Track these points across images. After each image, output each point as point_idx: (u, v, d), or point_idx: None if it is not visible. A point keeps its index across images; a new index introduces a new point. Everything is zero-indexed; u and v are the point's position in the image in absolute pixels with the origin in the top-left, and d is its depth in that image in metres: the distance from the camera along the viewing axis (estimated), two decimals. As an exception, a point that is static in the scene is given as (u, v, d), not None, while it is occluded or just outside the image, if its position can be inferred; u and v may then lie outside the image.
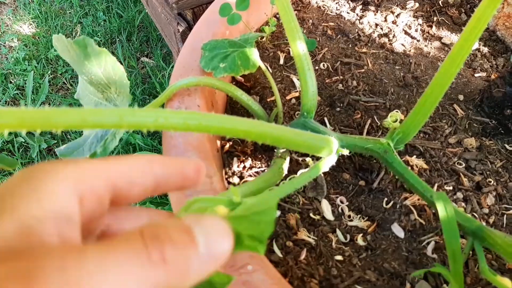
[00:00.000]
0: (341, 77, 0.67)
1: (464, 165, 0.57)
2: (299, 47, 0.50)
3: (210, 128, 0.34)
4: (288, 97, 0.66)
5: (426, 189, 0.45)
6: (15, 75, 1.55)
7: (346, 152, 0.48)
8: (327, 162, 0.46)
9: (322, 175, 0.54)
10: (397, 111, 0.52)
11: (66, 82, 1.53)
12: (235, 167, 0.60)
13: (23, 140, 1.27)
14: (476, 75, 0.68)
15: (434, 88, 0.43)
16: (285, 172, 0.53)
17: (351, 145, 0.50)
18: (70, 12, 1.82)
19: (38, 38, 1.71)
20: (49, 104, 1.44)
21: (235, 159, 0.62)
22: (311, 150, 0.45)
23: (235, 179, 0.59)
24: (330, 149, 0.46)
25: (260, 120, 0.58)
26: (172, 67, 1.44)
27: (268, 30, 0.69)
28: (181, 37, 0.99)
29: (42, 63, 1.58)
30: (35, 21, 1.79)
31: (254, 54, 0.55)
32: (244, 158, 0.62)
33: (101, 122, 0.27)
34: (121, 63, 1.55)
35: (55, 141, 1.30)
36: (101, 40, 1.64)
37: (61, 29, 1.73)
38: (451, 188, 0.55)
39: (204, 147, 0.50)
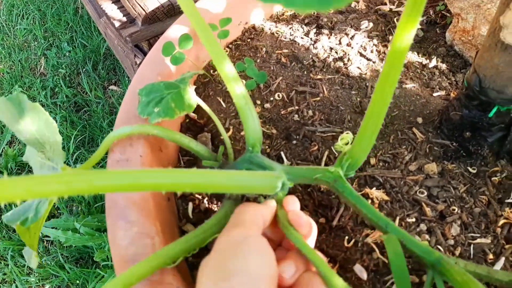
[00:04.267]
0: (296, 107, 0.64)
1: (426, 193, 0.54)
2: (234, 87, 0.47)
3: (127, 187, 0.33)
4: (242, 133, 0.63)
5: (380, 219, 0.43)
6: (-22, 115, 1.49)
7: (291, 185, 0.45)
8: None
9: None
10: (347, 133, 0.49)
11: (31, 118, 1.48)
12: (190, 211, 0.57)
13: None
14: (434, 94, 0.66)
15: (374, 108, 0.41)
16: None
17: (299, 177, 0.47)
18: (34, 45, 1.78)
19: (2, 74, 1.67)
20: (14, 143, 1.39)
21: (190, 203, 0.58)
22: (252, 190, 0.42)
23: (189, 227, 0.56)
24: (274, 186, 0.43)
25: (208, 161, 0.55)
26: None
27: (218, 63, 0.67)
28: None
29: (6, 100, 1.54)
30: (-2, 56, 1.74)
31: (189, 93, 0.52)
32: (199, 202, 0.59)
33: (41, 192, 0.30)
34: (88, 94, 1.52)
35: None
36: (66, 72, 1.60)
37: (26, 63, 1.68)
38: (413, 220, 0.52)
39: (146, 203, 0.46)
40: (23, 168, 1.30)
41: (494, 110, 0.50)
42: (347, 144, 0.48)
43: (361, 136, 0.43)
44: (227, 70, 0.45)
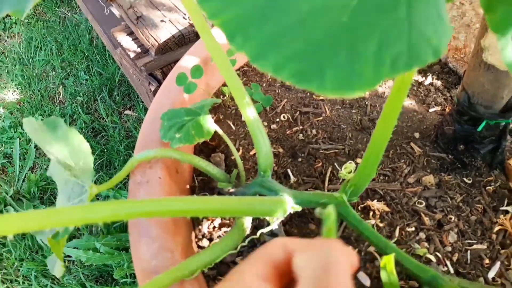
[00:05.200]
0: (301, 127, 0.69)
1: (424, 204, 0.58)
2: (248, 113, 0.52)
3: (150, 213, 0.37)
4: (251, 153, 0.68)
5: (379, 240, 0.47)
6: (2, 143, 1.58)
7: (299, 208, 0.50)
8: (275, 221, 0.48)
9: (284, 233, 0.55)
10: (350, 162, 0.54)
11: (52, 144, 1.56)
12: (204, 229, 0.62)
13: None
14: (430, 110, 0.70)
15: (375, 144, 0.45)
16: (248, 231, 0.54)
17: (307, 201, 0.51)
18: (52, 75, 1.88)
19: (23, 104, 1.76)
20: (36, 169, 1.47)
21: (204, 220, 0.63)
22: (264, 215, 0.47)
23: (205, 242, 0.60)
24: (284, 210, 0.47)
25: (223, 183, 0.59)
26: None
27: (227, 90, 0.72)
28: (153, 95, 1.03)
29: (27, 128, 1.62)
30: (18, 87, 1.84)
31: (208, 121, 0.57)
32: (213, 218, 0.63)
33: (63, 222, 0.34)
34: (105, 119, 1.59)
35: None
36: (83, 99, 1.69)
37: (45, 92, 1.78)
38: (413, 229, 0.56)
39: (166, 221, 0.51)
40: (45, 193, 1.37)
41: (483, 124, 0.54)
42: (350, 172, 0.52)
43: (363, 166, 0.47)
44: (243, 99, 0.51)
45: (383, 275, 0.40)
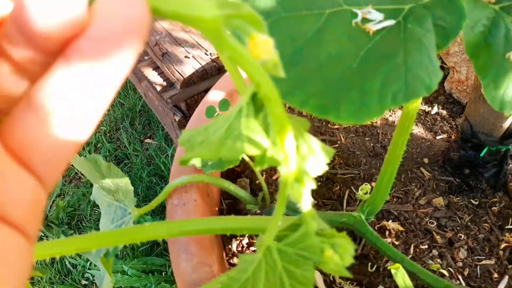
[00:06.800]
0: (319, 153, 0.76)
1: (435, 223, 0.63)
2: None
3: (191, 232, 0.44)
4: (274, 177, 0.74)
5: (396, 254, 0.52)
6: (30, 171, 1.67)
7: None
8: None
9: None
10: (366, 184, 0.60)
11: (77, 172, 1.64)
12: (234, 248, 0.68)
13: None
14: (438, 137, 0.77)
15: (387, 169, 0.51)
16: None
17: (328, 220, 0.57)
18: (77, 106, 1.99)
19: (49, 133, 1.86)
20: (64, 195, 1.54)
21: (233, 240, 0.69)
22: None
23: (235, 260, 0.66)
24: (309, 229, 0.53)
25: (250, 205, 0.66)
26: (173, 148, 1.55)
27: (251, 120, 0.80)
28: (178, 125, 1.11)
29: (54, 157, 1.71)
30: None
31: (237, 150, 0.64)
32: (241, 238, 0.69)
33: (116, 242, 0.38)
34: (127, 148, 1.68)
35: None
36: (106, 129, 1.78)
37: (70, 123, 1.88)
38: (426, 246, 0.61)
39: (203, 239, 0.57)
40: (72, 218, 1.44)
41: (485, 150, 0.60)
42: (366, 193, 0.58)
43: (377, 188, 0.53)
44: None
45: (399, 280, 0.46)
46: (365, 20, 0.32)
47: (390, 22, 0.31)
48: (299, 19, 0.31)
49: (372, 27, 0.31)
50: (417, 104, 0.46)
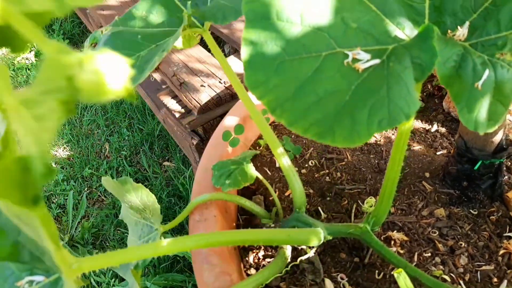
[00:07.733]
0: (327, 170, 0.82)
1: (437, 233, 0.68)
2: (283, 161, 0.66)
3: (214, 243, 0.51)
4: (286, 194, 0.80)
5: (400, 261, 0.57)
6: (56, 195, 1.76)
7: (330, 238, 0.61)
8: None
9: (319, 260, 0.66)
10: (371, 197, 0.66)
11: (100, 194, 1.73)
12: (251, 260, 0.73)
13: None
14: (438, 153, 0.82)
15: (387, 184, 0.57)
16: (289, 259, 0.66)
17: (336, 231, 0.63)
18: (97, 132, 2.10)
19: (73, 159, 1.96)
20: (88, 217, 1.62)
21: (250, 252, 0.75)
22: (301, 243, 0.59)
23: (252, 270, 0.72)
24: (318, 239, 0.59)
25: (265, 219, 0.72)
26: (191, 169, 1.63)
27: (263, 142, 0.87)
28: (195, 148, 1.19)
29: (78, 181, 1.81)
30: (68, 144, 2.06)
31: (251, 169, 0.71)
32: (257, 250, 0.75)
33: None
34: (147, 170, 1.76)
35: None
36: (127, 153, 1.88)
37: (92, 148, 1.98)
38: (429, 254, 0.66)
39: (223, 251, 0.64)
40: (97, 239, 1.51)
41: (479, 164, 0.65)
42: (371, 206, 0.64)
43: (380, 201, 0.59)
44: (278, 150, 0.64)
45: (401, 283, 0.51)
46: (355, 60, 0.39)
47: (376, 61, 0.38)
48: (300, 61, 0.38)
49: (361, 66, 0.38)
50: (409, 126, 0.52)
